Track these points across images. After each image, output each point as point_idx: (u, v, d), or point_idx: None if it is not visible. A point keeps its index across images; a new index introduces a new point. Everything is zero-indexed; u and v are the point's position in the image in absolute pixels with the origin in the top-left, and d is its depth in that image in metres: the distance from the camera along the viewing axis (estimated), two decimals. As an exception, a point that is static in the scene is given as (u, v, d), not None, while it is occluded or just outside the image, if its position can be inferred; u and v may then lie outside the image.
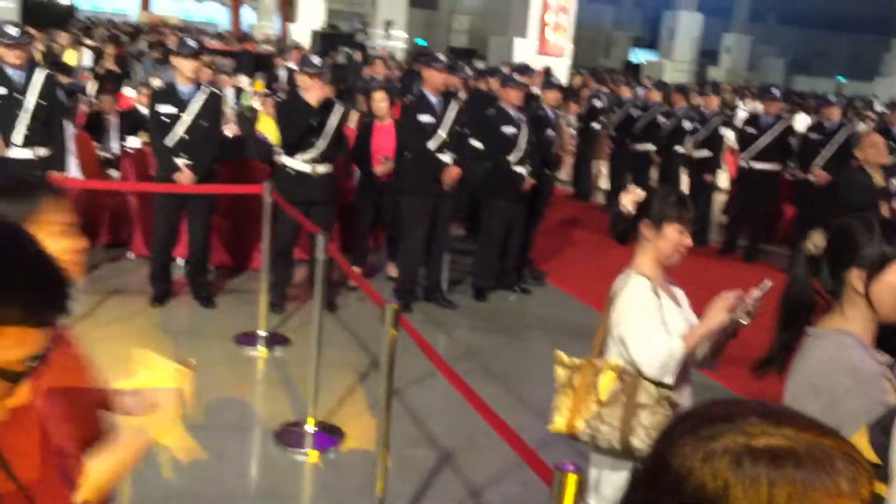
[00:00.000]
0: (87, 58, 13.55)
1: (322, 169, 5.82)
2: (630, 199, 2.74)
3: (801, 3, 33.86)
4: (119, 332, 5.26)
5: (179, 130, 5.60)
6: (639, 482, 0.77)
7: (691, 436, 0.74)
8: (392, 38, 24.84)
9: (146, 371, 1.84)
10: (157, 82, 9.34)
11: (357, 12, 28.26)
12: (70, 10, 19.21)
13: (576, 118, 11.32)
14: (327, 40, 19.94)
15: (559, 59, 17.47)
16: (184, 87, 5.67)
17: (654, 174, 10.30)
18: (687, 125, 9.55)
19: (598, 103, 11.46)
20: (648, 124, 10.23)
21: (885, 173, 5.95)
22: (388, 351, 3.19)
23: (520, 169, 6.45)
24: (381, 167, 6.38)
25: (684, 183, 9.61)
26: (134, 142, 7.38)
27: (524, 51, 16.98)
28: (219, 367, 4.99)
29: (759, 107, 12.05)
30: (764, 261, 8.50)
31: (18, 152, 5.46)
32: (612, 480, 2.71)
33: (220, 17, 36.80)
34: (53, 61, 10.54)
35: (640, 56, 33.78)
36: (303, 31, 24.33)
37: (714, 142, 9.32)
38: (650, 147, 10.13)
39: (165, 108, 5.63)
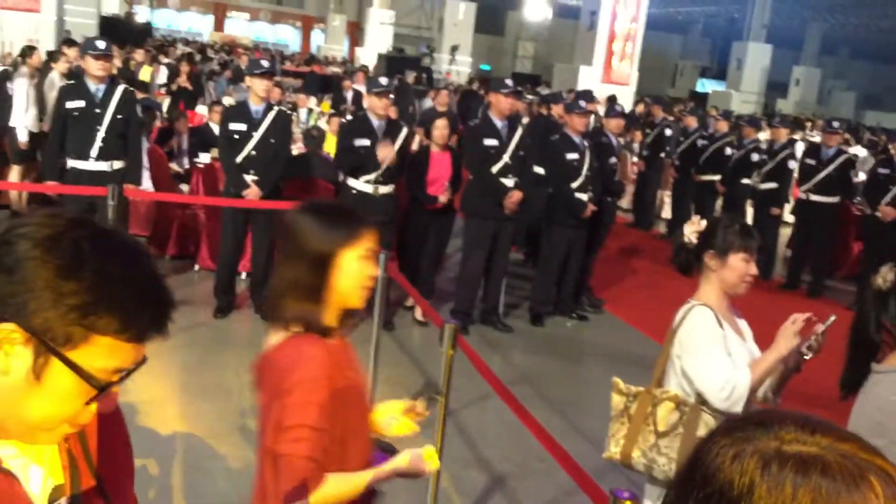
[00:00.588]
0: (162, 75, 13.98)
1: (384, 189, 5.90)
2: (693, 229, 2.72)
3: (873, 37, 33.10)
4: (183, 341, 5.39)
5: (248, 147, 5.74)
6: (676, 480, 0.80)
7: (726, 436, 0.76)
8: (457, 62, 25.09)
9: (393, 423, 2.16)
10: (228, 100, 9.60)
11: (424, 37, 28.62)
12: (146, 29, 19.87)
13: (639, 146, 11.25)
14: (393, 63, 20.23)
15: (624, 88, 17.40)
16: (255, 105, 5.81)
17: (718, 205, 10.16)
18: (755, 157, 9.41)
19: (668, 132, 11.36)
20: (714, 154, 10.11)
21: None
22: (445, 371, 3.21)
23: (581, 195, 6.44)
24: (444, 196, 6.22)
25: (749, 215, 9.46)
26: (204, 157, 7.58)
27: (589, 78, 16.96)
28: (277, 380, 5.07)
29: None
30: (829, 297, 8.30)
31: (95, 164, 5.65)
32: (666, 512, 2.67)
33: (291, 39, 37.65)
34: (130, 78, 10.91)
35: (706, 86, 33.41)
36: (370, 55, 24.74)
37: (781, 174, 9.16)
38: (715, 178, 10.00)
39: (236, 126, 5.78)
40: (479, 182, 6.16)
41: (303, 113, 10.67)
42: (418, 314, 6.31)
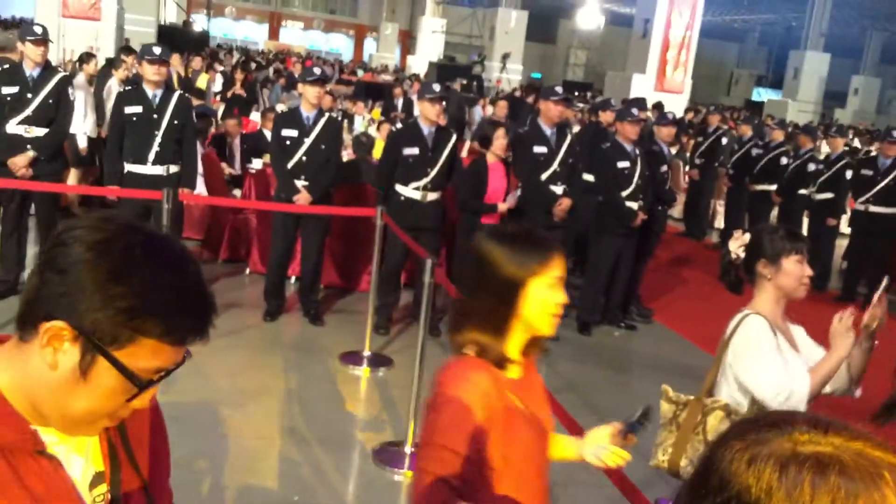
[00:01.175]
0: (217, 83, 14.24)
1: (432, 196, 5.92)
2: (738, 244, 2.69)
3: (938, 45, 32.30)
4: (233, 343, 5.47)
5: (300, 153, 5.81)
6: (689, 485, 0.79)
7: (740, 440, 0.75)
8: (508, 71, 25.09)
9: (604, 452, 2.06)
10: (281, 107, 9.74)
11: (475, 45, 28.68)
12: (203, 37, 20.25)
13: (690, 154, 11.11)
14: (444, 72, 20.31)
15: (677, 96, 17.21)
16: (306, 112, 5.88)
17: (772, 215, 9.98)
18: (811, 167, 9.23)
19: (724, 140, 11.19)
20: (769, 164, 9.94)
21: None
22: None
23: (632, 204, 6.38)
24: (507, 202, 5.97)
25: (805, 226, 9.28)
26: (257, 163, 7.69)
27: (642, 87, 16.81)
28: (323, 383, 5.12)
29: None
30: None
31: (152, 169, 5.77)
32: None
33: (343, 47, 38.07)
34: (187, 85, 11.13)
35: (762, 95, 32.87)
36: (421, 63, 24.88)
37: (837, 185, 8.97)
38: (770, 187, 9.83)
39: (288, 132, 5.85)
40: (527, 189, 6.14)
41: (357, 121, 10.78)
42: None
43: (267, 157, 7.26)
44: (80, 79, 8.14)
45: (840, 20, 27.28)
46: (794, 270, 2.57)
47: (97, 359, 1.03)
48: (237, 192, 7.78)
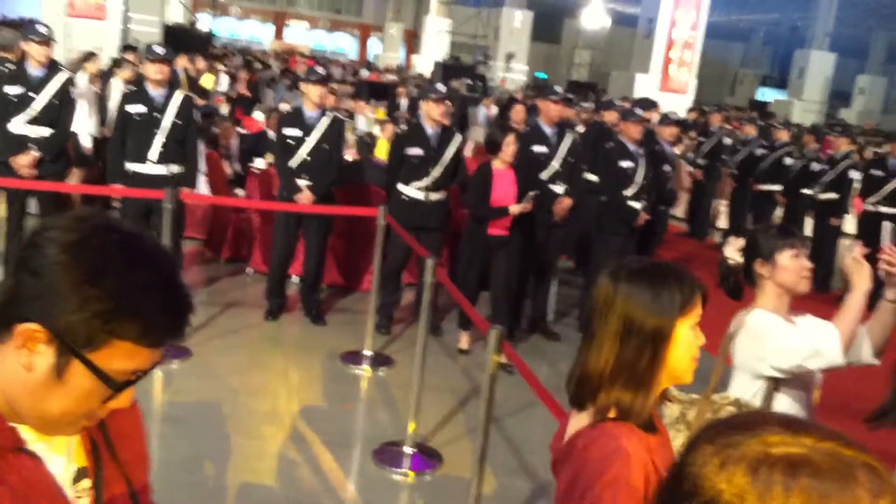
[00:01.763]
0: (222, 82, 14.26)
1: (435, 196, 5.92)
2: (735, 248, 2.69)
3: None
4: (234, 342, 5.48)
5: (303, 153, 5.82)
6: (662, 491, 0.78)
7: (711, 444, 0.75)
8: (513, 70, 25.07)
9: None
10: (285, 107, 9.74)
11: (480, 45, 28.66)
12: (208, 37, 20.28)
13: (693, 154, 11.09)
14: (449, 71, 20.30)
15: (681, 96, 17.17)
16: (310, 111, 5.89)
17: (776, 215, 9.96)
18: (815, 167, 9.21)
19: (727, 140, 11.18)
20: (774, 164, 9.92)
21: None
22: (489, 376, 3.20)
23: (634, 204, 6.37)
24: (520, 206, 5.54)
25: (808, 226, 9.25)
26: (260, 163, 7.70)
27: (646, 86, 16.77)
28: (324, 382, 5.12)
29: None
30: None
31: (153, 168, 5.78)
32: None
33: (348, 47, 38.07)
34: (191, 85, 11.14)
35: (767, 95, 32.80)
36: (426, 63, 24.87)
37: (842, 185, 8.94)
38: (775, 187, 9.81)
39: (291, 132, 5.86)
40: (528, 189, 6.13)
41: (360, 120, 10.78)
42: (463, 343, 5.90)
43: (270, 157, 7.26)
44: (84, 78, 8.15)
45: (845, 20, 27.19)
46: (790, 265, 2.56)
47: (72, 361, 1.03)
48: (240, 192, 7.79)
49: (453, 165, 6.00)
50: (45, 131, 5.81)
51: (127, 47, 10.96)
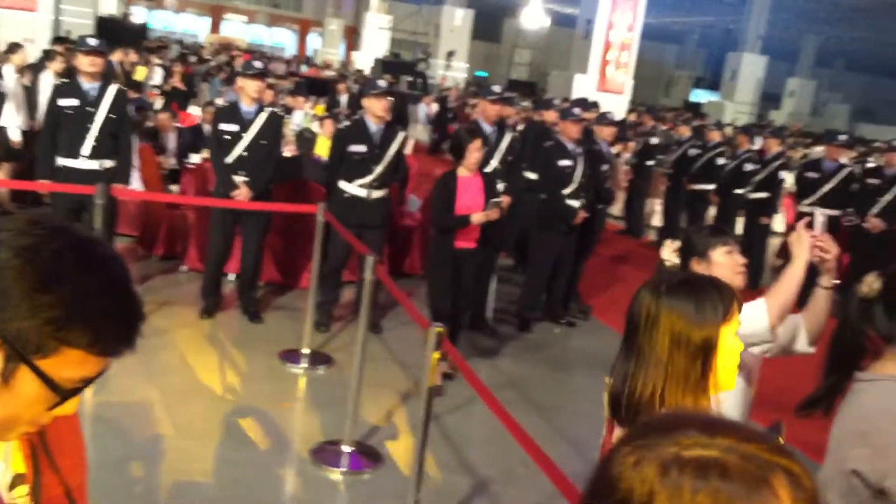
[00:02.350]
0: (156, 76, 13.96)
1: (377, 194, 5.89)
2: (671, 250, 2.75)
3: (868, 50, 33.24)
4: (168, 342, 5.37)
5: (239, 148, 5.73)
6: (586, 489, 0.80)
7: (628, 444, 0.76)
8: (453, 68, 25.13)
9: None
10: (221, 101, 9.58)
11: (420, 42, 28.66)
12: (142, 30, 19.83)
13: (632, 155, 11.27)
14: (389, 68, 20.25)
15: (619, 97, 17.43)
16: (246, 106, 5.80)
17: (709, 214, 10.18)
18: (748, 167, 9.43)
19: (653, 141, 11.40)
20: (707, 164, 10.13)
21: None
22: (429, 374, 3.19)
23: (573, 202, 6.44)
24: (482, 214, 5.15)
25: (740, 224, 9.48)
26: (195, 158, 7.56)
27: (584, 86, 16.98)
28: (261, 382, 5.05)
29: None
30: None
31: (86, 163, 5.63)
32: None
33: (287, 42, 37.63)
34: (125, 78, 10.89)
35: (700, 96, 33.53)
36: (366, 59, 24.77)
37: (772, 185, 9.19)
38: (708, 187, 10.02)
39: (227, 126, 5.76)
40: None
41: (297, 115, 10.66)
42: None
43: (205, 152, 7.13)
44: (10, 70, 7.89)
45: (777, 23, 27.90)
46: (725, 261, 2.64)
47: (20, 367, 1.00)
48: (174, 188, 7.64)
49: (395, 163, 5.98)
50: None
51: (58, 39, 10.63)
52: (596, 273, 8.13)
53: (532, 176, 7.17)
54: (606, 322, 7.21)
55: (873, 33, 29.58)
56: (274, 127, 5.91)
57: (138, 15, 26.87)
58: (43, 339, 0.99)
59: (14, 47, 8.53)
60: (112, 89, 5.74)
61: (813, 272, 2.59)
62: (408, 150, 8.15)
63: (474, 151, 5.17)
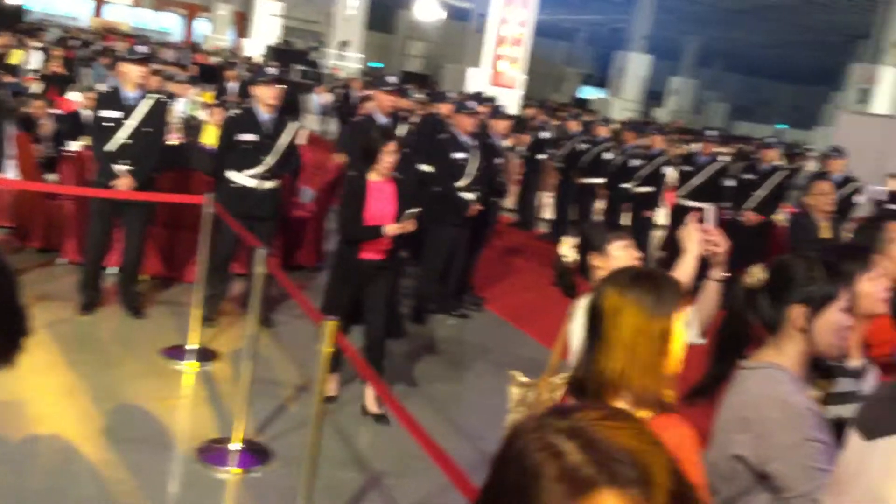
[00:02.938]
0: (34, 60, 13.24)
1: (268, 185, 5.74)
2: (569, 247, 2.79)
3: (747, 52, 34.83)
4: (44, 338, 5.08)
5: (122, 136, 5.48)
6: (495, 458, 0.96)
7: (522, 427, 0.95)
8: (346, 58, 24.86)
9: None
10: (102, 86, 9.16)
11: (313, 31, 28.23)
12: (18, 11, 18.77)
13: (524, 149, 11.42)
14: (281, 56, 19.85)
15: (512, 91, 17.64)
16: (129, 92, 5.55)
17: (597, 207, 10.42)
18: (635, 162, 9.70)
19: (544, 135, 11.59)
20: (595, 159, 10.36)
21: (831, 222, 6.03)
22: (321, 368, 3.12)
23: (467, 195, 6.46)
24: (396, 226, 4.61)
25: (626, 217, 9.74)
26: (75, 145, 7.20)
27: (477, 80, 17.12)
28: (143, 379, 4.85)
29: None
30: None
31: (-50, 148, 5.27)
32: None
33: (174, 27, 36.41)
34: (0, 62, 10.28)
35: (589, 93, 34.37)
36: (257, 46, 24.21)
37: (656, 179, 9.50)
38: (597, 181, 10.25)
39: (109, 113, 5.51)
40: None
41: (181, 102, 10.29)
42: (369, 402, 4.74)
43: (86, 140, 6.79)
44: None
45: (661, 24, 28.83)
46: (621, 255, 2.72)
47: None
48: (52, 177, 7.26)
49: (287, 153, 5.83)
50: None
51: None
52: (489, 265, 8.20)
53: (427, 168, 7.16)
54: (499, 314, 7.28)
55: (749, 35, 31.01)
56: (159, 114, 5.68)
57: (13, -5, 25.39)
58: None
59: None
60: (-20, 71, 5.40)
61: (704, 265, 2.67)
62: (300, 140, 7.98)
63: (388, 154, 4.62)
